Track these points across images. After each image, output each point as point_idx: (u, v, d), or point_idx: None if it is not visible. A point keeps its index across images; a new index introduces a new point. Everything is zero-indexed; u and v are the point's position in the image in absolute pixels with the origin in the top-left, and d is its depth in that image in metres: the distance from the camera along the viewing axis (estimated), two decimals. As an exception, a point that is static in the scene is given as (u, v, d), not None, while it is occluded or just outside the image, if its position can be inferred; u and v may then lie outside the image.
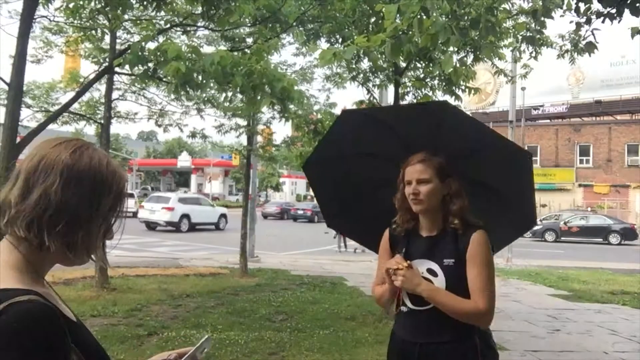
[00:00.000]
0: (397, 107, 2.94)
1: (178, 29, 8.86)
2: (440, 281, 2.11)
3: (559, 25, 5.67)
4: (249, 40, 8.67)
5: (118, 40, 9.63)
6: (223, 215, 26.46)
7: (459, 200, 2.14)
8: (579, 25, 4.95)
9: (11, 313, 0.90)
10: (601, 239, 26.34)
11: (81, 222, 1.01)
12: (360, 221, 2.75)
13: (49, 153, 1.03)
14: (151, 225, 23.99)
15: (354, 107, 8.36)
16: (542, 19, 4.90)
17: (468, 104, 30.96)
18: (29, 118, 10.90)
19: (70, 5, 6.82)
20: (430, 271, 2.14)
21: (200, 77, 6.28)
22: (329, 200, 2.86)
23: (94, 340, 1.08)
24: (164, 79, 7.39)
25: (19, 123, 6.55)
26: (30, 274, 1.00)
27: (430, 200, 2.15)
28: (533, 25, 5.46)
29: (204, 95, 9.72)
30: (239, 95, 7.35)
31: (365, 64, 8.68)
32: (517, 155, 2.43)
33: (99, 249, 1.09)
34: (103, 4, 6.73)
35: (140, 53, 6.24)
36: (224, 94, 7.74)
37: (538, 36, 6.37)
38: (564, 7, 4.73)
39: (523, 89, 29.60)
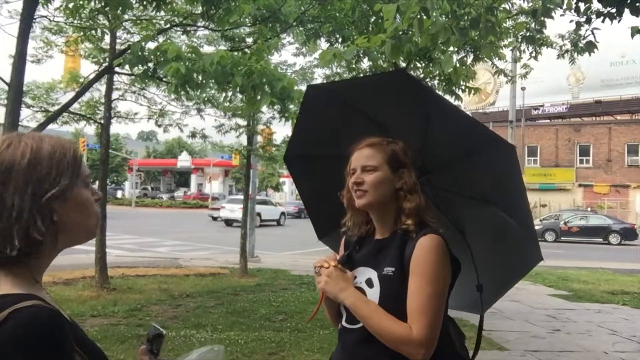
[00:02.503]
0: (361, 86, 2.27)
1: (178, 29, 8.86)
2: (373, 294, 1.65)
3: (558, 25, 5.67)
4: (249, 40, 8.66)
5: (118, 40, 9.63)
6: (283, 213, 32.64)
7: (414, 197, 1.70)
8: (579, 25, 4.95)
9: (17, 319, 0.88)
10: (601, 239, 26.33)
11: (33, 214, 0.96)
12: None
13: None
14: (229, 222, 28.57)
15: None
16: (542, 18, 4.90)
17: (468, 104, 30.98)
18: (29, 118, 10.90)
19: (70, 5, 6.81)
20: (369, 282, 1.69)
21: (200, 77, 6.29)
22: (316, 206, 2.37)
23: (88, 338, 1.08)
24: (164, 79, 7.38)
25: (19, 123, 6.55)
26: (27, 277, 0.99)
27: (376, 191, 1.70)
28: (533, 25, 5.46)
29: (204, 95, 9.71)
30: (239, 95, 7.35)
31: (365, 64, 8.68)
32: (506, 149, 1.86)
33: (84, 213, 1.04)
34: (103, 4, 6.72)
35: (140, 53, 6.25)
36: (224, 94, 7.74)
37: (538, 36, 6.36)
38: (564, 7, 4.73)
39: (523, 89, 29.65)
